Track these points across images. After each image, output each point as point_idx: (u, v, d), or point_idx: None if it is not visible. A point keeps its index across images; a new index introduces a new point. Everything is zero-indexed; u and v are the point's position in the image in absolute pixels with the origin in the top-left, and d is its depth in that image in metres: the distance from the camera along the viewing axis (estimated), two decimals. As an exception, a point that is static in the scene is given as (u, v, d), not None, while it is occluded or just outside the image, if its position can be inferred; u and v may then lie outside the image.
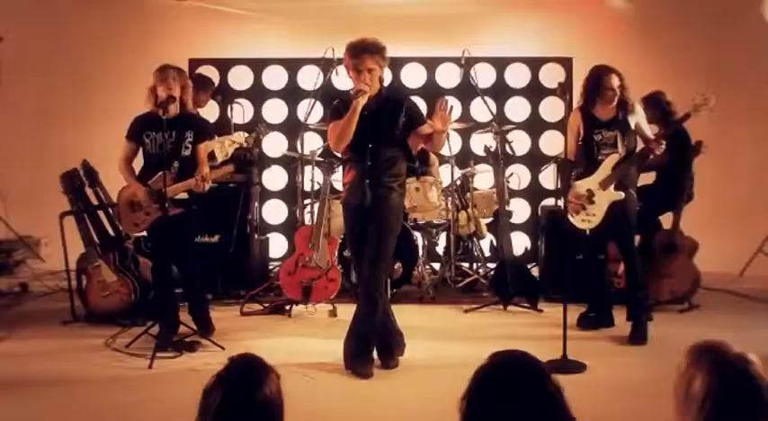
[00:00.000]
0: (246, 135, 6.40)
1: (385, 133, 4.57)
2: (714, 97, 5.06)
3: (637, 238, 5.84)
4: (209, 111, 7.42)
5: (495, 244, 6.82)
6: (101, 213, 5.97)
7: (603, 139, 5.35)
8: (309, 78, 7.56)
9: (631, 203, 5.39)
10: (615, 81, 5.29)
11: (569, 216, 5.39)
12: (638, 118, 5.37)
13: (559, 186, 6.71)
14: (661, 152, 5.25)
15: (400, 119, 4.60)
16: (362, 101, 4.49)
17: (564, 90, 5.25)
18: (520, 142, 7.48)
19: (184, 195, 5.12)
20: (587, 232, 5.44)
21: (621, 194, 5.29)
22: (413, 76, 8.15)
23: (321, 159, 6.47)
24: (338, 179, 5.64)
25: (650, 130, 5.50)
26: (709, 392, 1.80)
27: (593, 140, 5.37)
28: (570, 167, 5.48)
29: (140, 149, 5.21)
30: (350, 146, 4.59)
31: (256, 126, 6.57)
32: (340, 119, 4.53)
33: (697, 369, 1.85)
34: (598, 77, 5.33)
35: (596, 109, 5.40)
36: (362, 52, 4.52)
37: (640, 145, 5.38)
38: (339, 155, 4.95)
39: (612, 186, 5.30)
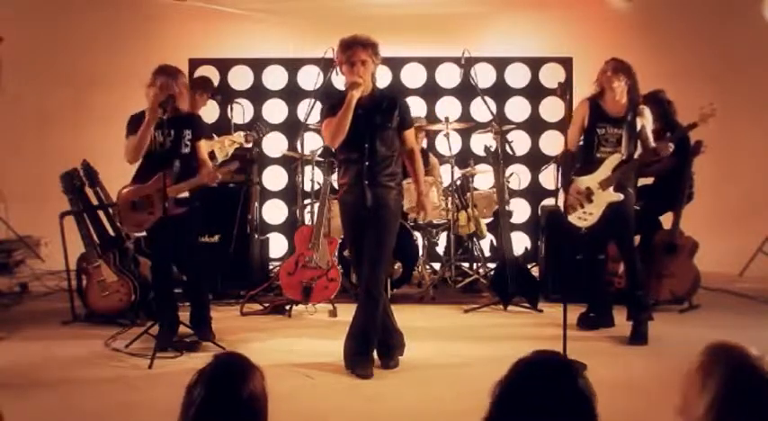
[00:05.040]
0: (246, 134, 6.41)
1: (381, 132, 4.57)
2: (717, 108, 5.08)
3: (637, 238, 5.84)
4: (210, 111, 7.42)
5: (495, 244, 6.82)
6: (101, 213, 5.97)
7: (606, 134, 5.32)
8: (309, 78, 7.57)
9: (630, 203, 5.38)
10: (619, 85, 5.25)
11: (568, 214, 5.38)
12: (644, 121, 5.32)
13: (560, 178, 6.69)
14: (668, 154, 5.21)
15: (394, 117, 4.60)
16: (357, 94, 4.47)
17: (564, 90, 5.24)
18: (520, 142, 7.49)
19: (185, 194, 5.11)
20: (583, 230, 5.43)
21: (621, 196, 5.27)
22: (413, 76, 8.16)
23: (321, 159, 6.47)
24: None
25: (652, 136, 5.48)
26: (724, 393, 1.80)
27: (596, 133, 5.33)
28: (571, 159, 5.46)
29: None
30: (346, 145, 4.58)
31: (255, 125, 6.56)
32: (334, 115, 4.53)
33: (713, 369, 1.84)
34: (602, 71, 5.31)
35: (606, 102, 5.35)
36: (354, 45, 4.52)
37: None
38: (334, 153, 4.96)
39: (612, 188, 5.29)
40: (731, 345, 1.90)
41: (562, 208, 5.49)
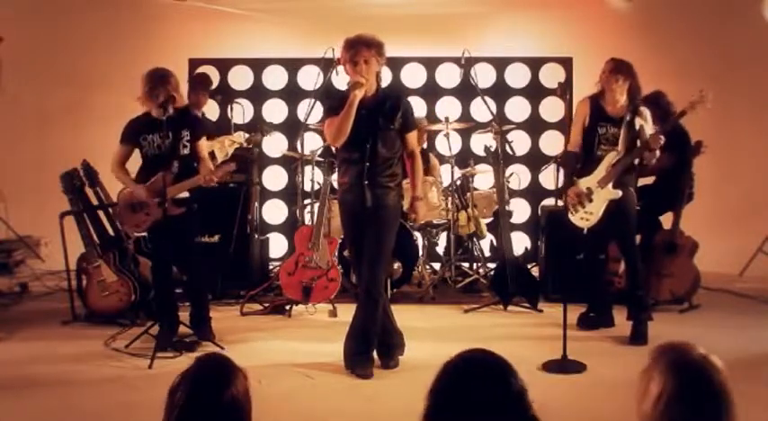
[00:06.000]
0: (247, 135, 6.40)
1: (383, 133, 4.56)
2: (711, 94, 5.03)
3: (637, 238, 5.83)
4: (210, 112, 7.42)
5: (495, 244, 6.82)
6: (101, 213, 5.97)
7: (607, 134, 5.31)
8: (309, 78, 7.57)
9: (631, 202, 5.37)
10: (617, 85, 5.24)
11: (569, 214, 5.38)
12: (642, 121, 5.29)
13: (561, 178, 6.67)
14: (659, 146, 5.20)
15: (397, 118, 4.60)
16: (359, 93, 4.46)
17: (564, 90, 5.23)
18: (520, 142, 7.49)
19: (185, 194, 5.13)
20: (585, 230, 5.43)
21: (619, 193, 5.26)
22: (413, 76, 8.16)
23: (321, 159, 6.47)
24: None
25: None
26: (663, 392, 1.79)
27: (597, 132, 5.32)
28: (573, 159, 5.45)
29: (135, 152, 5.20)
30: (347, 145, 4.58)
31: (260, 124, 6.53)
32: (336, 114, 4.52)
33: (655, 369, 1.84)
34: (603, 68, 5.30)
35: (606, 101, 5.35)
36: (358, 45, 4.51)
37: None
38: (334, 153, 4.96)
39: (611, 185, 5.29)
40: (675, 346, 1.89)
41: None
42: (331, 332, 5.37)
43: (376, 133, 4.54)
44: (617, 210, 5.30)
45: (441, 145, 7.53)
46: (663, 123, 5.72)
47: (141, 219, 5.20)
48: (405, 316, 5.20)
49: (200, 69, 7.97)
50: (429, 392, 1.79)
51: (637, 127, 5.28)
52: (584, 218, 5.38)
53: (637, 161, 5.35)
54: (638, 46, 7.50)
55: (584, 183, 5.36)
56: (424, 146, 7.05)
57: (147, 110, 5.11)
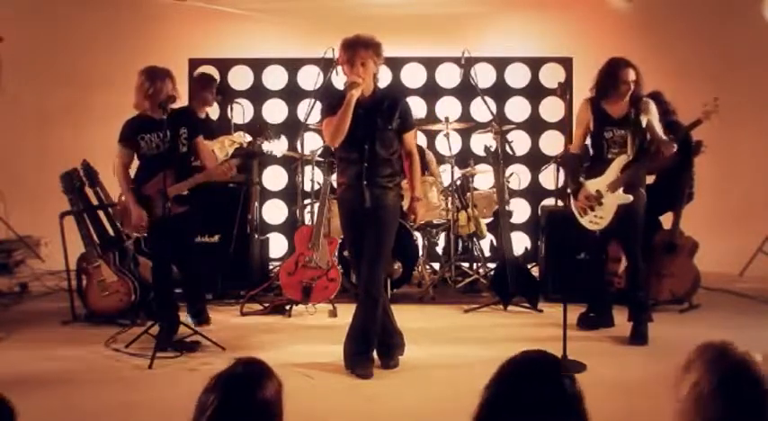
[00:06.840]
0: (250, 138, 6.38)
1: (380, 132, 4.57)
2: (719, 104, 5.04)
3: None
4: (210, 111, 7.41)
5: (495, 244, 6.82)
6: (101, 213, 5.98)
7: (614, 137, 5.25)
8: (309, 78, 7.57)
9: (640, 203, 5.30)
10: (631, 75, 5.18)
11: (578, 216, 5.35)
12: (650, 116, 5.22)
13: (562, 180, 6.66)
14: (671, 153, 5.18)
15: (395, 118, 4.60)
16: (356, 93, 4.47)
17: (564, 90, 5.22)
18: (520, 142, 7.48)
19: (184, 192, 5.14)
20: (597, 233, 5.39)
21: (630, 198, 5.21)
22: (413, 76, 8.15)
23: (321, 159, 6.47)
24: (338, 179, 5.63)
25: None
26: (711, 392, 1.80)
27: (604, 137, 5.28)
28: (577, 161, 5.42)
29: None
30: (346, 145, 4.58)
31: (267, 131, 6.43)
32: (334, 114, 4.53)
33: (699, 369, 1.84)
34: (614, 69, 5.22)
35: (608, 103, 5.29)
36: (356, 45, 4.53)
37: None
38: (333, 151, 4.97)
39: (621, 189, 5.25)
40: (716, 345, 1.90)
41: (574, 211, 5.43)
42: (331, 332, 5.36)
43: (374, 133, 4.55)
44: (625, 212, 5.26)
45: (441, 145, 7.53)
46: (665, 124, 5.71)
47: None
48: (405, 316, 5.20)
49: (200, 69, 7.96)
50: (484, 393, 1.79)
51: (644, 124, 5.22)
52: (594, 221, 5.34)
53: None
54: (638, 46, 7.49)
55: (593, 185, 5.32)
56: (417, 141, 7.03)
57: (141, 111, 5.13)
